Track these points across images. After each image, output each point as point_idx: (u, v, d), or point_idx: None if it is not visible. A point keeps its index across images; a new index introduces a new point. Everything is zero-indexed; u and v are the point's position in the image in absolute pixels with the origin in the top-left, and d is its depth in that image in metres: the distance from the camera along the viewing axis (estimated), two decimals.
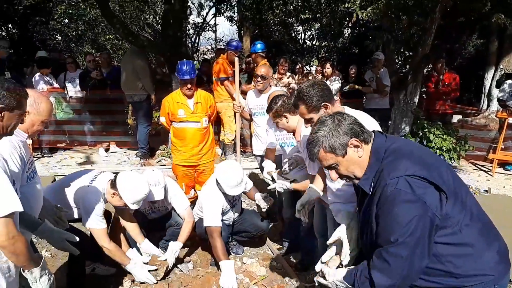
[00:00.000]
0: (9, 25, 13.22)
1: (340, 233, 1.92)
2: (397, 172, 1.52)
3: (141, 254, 3.64)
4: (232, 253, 3.91)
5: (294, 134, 3.07)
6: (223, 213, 3.61)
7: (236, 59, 4.73)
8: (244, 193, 3.78)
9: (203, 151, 4.31)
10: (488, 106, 10.25)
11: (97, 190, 3.10)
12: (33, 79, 6.63)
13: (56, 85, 6.84)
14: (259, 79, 4.19)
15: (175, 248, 3.52)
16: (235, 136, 4.91)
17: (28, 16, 12.61)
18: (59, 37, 14.81)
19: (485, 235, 1.59)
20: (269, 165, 3.60)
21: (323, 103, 2.26)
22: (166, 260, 3.52)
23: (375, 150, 1.65)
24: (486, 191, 5.64)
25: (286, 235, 4.02)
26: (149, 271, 3.42)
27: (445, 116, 7.36)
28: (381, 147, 1.65)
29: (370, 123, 2.23)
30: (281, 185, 3.25)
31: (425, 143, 5.63)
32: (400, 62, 7.50)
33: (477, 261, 1.55)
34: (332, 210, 2.50)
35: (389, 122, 6.72)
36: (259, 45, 6.36)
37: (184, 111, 4.14)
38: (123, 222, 3.54)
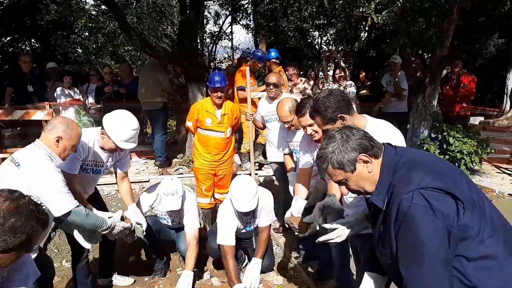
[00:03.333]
0: (32, 40, 13.67)
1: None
2: (411, 186, 1.48)
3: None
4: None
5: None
6: (238, 230, 3.49)
7: (247, 68, 4.76)
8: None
9: (223, 159, 4.47)
10: (511, 107, 9.95)
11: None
12: (55, 94, 6.81)
13: (77, 97, 6.99)
14: (271, 87, 4.23)
15: (187, 280, 3.29)
16: (249, 145, 4.91)
17: (50, 30, 13.01)
18: (80, 50, 15.21)
19: (509, 245, 1.51)
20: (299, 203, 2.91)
21: (339, 115, 2.16)
22: None
23: (386, 164, 1.62)
24: (511, 194, 5.47)
25: (304, 244, 3.98)
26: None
27: (465, 119, 7.18)
28: (392, 160, 1.62)
29: (392, 134, 2.18)
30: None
31: (445, 146, 5.49)
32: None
33: (501, 272, 1.47)
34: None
35: (408, 125, 6.61)
36: (273, 53, 6.38)
37: (211, 120, 4.30)
38: (119, 184, 3.31)
